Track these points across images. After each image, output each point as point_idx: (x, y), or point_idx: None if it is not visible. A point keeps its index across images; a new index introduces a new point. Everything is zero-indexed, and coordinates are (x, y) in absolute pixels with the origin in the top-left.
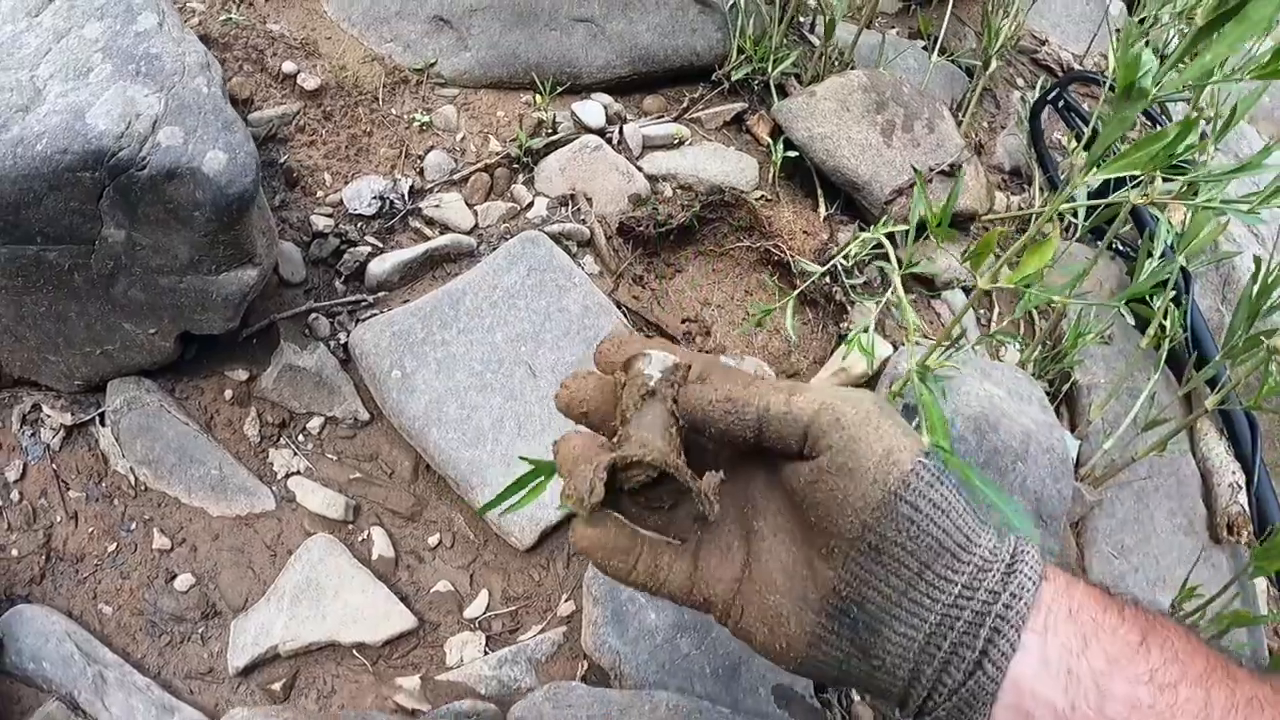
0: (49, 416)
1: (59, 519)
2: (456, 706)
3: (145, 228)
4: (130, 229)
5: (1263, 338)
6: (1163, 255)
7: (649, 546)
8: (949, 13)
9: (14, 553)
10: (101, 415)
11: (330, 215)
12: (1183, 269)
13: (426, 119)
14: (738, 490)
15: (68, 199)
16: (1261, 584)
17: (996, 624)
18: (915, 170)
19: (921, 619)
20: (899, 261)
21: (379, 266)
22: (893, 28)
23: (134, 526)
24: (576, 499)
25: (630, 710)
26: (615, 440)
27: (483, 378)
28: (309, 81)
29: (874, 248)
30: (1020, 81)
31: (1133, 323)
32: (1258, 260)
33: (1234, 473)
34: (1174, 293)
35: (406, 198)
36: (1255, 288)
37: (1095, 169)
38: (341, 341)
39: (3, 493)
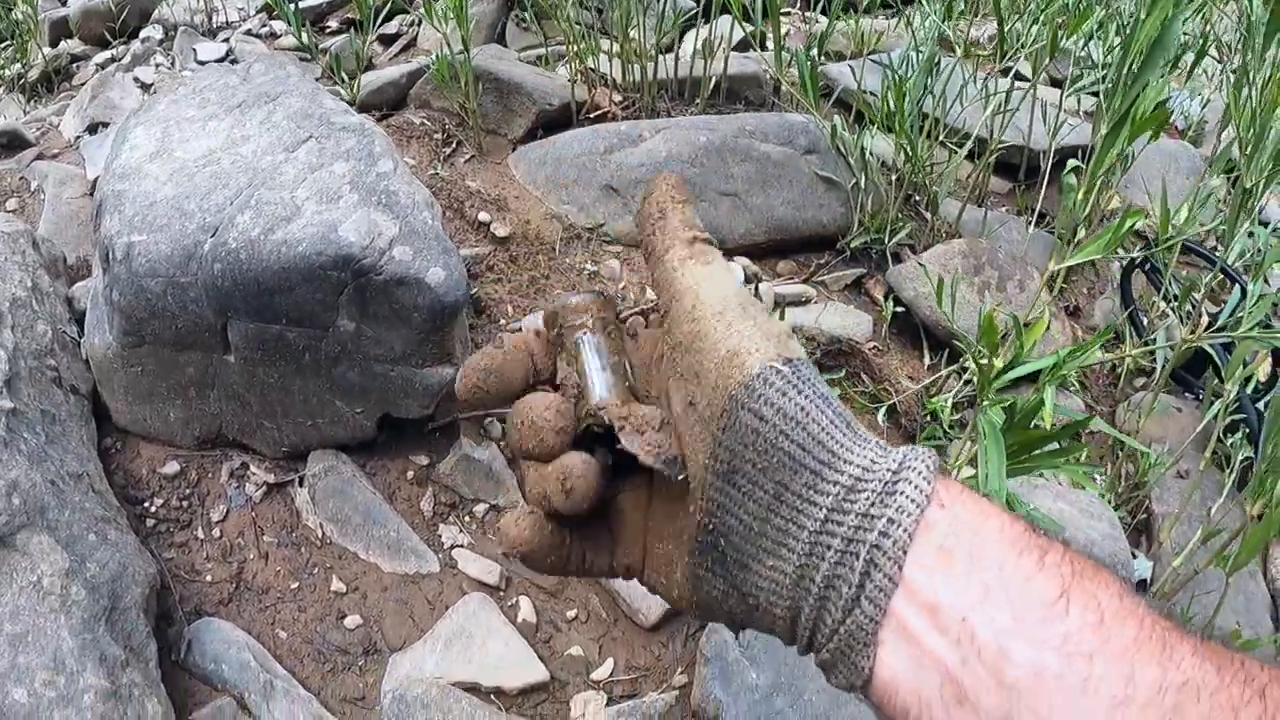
0: (254, 474)
1: (251, 556)
2: None
3: (372, 322)
4: (360, 321)
5: None
6: (1237, 397)
7: (577, 536)
8: (1042, 190)
9: (208, 578)
10: (300, 478)
11: None
12: (1253, 402)
13: (595, 269)
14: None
15: (315, 291)
16: None
17: (872, 554)
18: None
19: (789, 549)
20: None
21: None
22: (1003, 205)
23: (316, 571)
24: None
25: None
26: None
27: None
28: (500, 230)
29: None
30: (1120, 251)
31: (1209, 455)
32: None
33: None
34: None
35: None
36: None
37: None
38: None
39: (206, 529)
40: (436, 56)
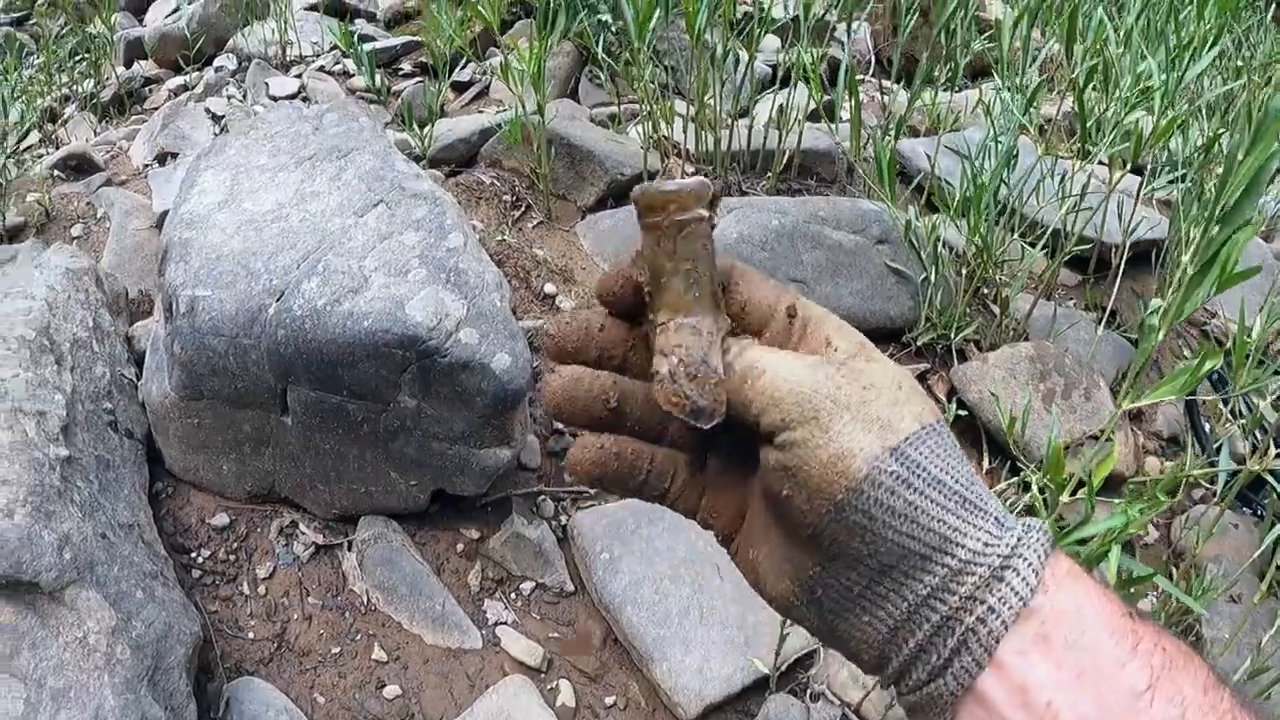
0: (304, 534)
1: (295, 617)
2: None
3: (433, 402)
4: (421, 400)
5: None
6: None
7: (658, 465)
8: (1115, 287)
9: (250, 635)
10: (349, 542)
11: None
12: None
13: None
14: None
15: (378, 367)
16: None
17: (966, 636)
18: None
19: (887, 613)
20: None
21: None
22: (1070, 299)
23: (359, 637)
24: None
25: None
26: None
27: (677, 570)
28: (565, 304)
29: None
30: (1187, 352)
31: (1265, 587)
32: None
33: None
34: None
35: None
36: None
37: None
38: (562, 523)
39: (252, 585)
40: (510, 119)
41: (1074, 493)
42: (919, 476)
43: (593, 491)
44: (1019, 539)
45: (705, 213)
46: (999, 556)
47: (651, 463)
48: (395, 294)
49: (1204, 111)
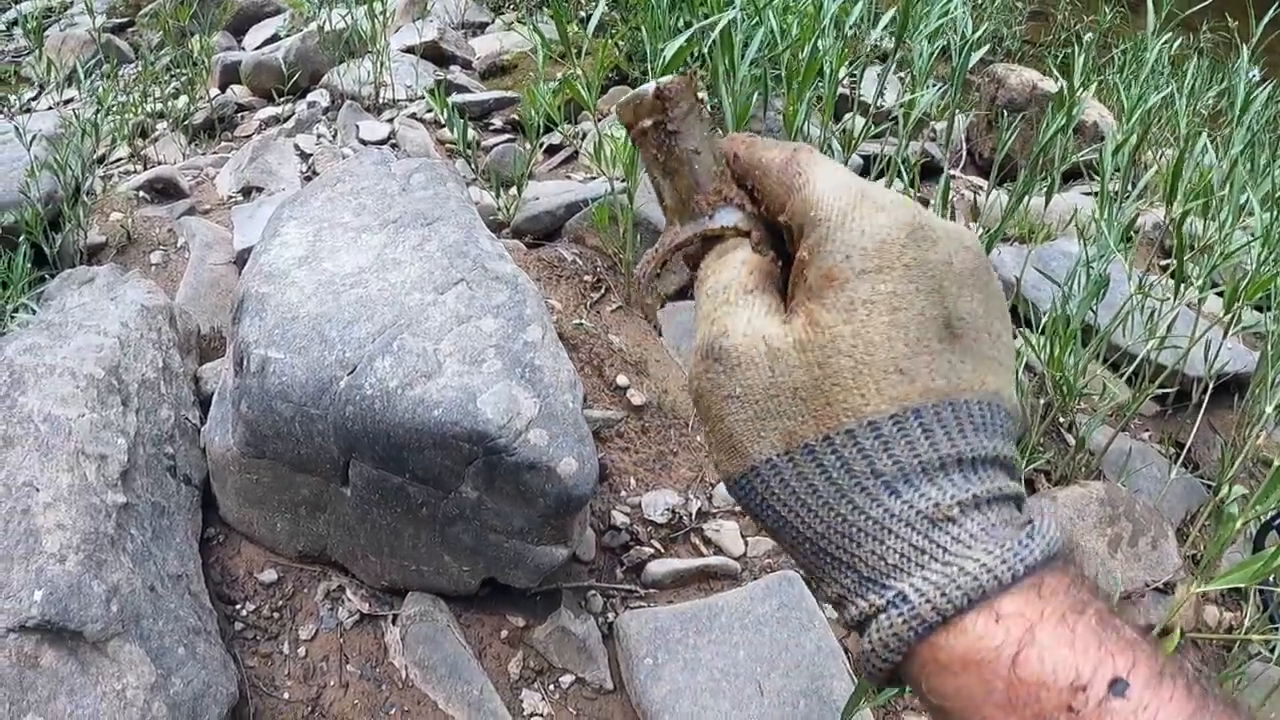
0: (350, 600)
1: (332, 683)
2: None
3: (495, 496)
4: (483, 493)
5: None
6: None
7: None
8: (1197, 423)
9: (285, 696)
10: (394, 616)
11: (628, 515)
12: None
13: None
14: None
15: (443, 457)
16: None
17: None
18: None
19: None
20: None
21: (658, 568)
22: (1146, 430)
23: (393, 711)
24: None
25: None
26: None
27: (719, 684)
28: (636, 398)
29: None
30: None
31: None
32: None
33: None
34: None
35: (693, 517)
36: None
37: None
38: (609, 619)
39: (292, 645)
40: (598, 201)
41: None
42: (794, 491)
43: (643, 592)
44: (878, 609)
45: (649, 122)
46: (873, 606)
47: None
48: (468, 385)
49: None
